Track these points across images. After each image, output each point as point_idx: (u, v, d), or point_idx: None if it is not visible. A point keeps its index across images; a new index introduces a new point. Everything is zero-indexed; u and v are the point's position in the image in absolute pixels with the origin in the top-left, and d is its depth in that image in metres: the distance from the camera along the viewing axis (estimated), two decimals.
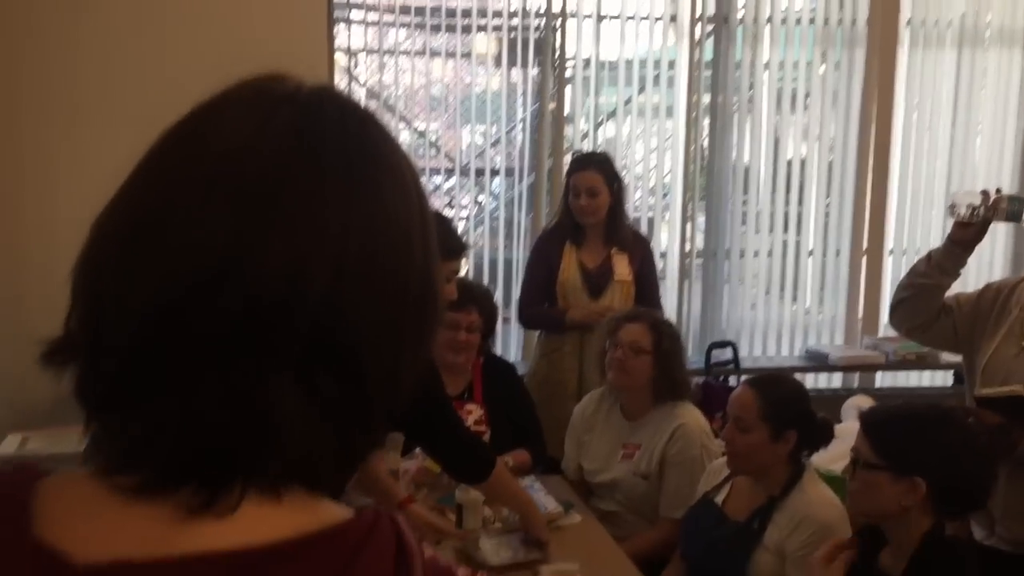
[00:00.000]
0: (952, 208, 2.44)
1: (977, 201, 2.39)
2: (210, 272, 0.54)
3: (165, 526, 0.56)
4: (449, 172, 4.59)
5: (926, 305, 2.52)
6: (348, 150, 0.58)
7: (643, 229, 4.59)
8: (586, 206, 3.52)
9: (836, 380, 4.69)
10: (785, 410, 2.44)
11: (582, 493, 2.98)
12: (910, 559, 1.89)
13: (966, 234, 2.42)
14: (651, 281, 3.72)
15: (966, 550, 2.07)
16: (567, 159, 4.14)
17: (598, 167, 3.55)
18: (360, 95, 4.38)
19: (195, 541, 0.56)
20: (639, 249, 3.69)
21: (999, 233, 4.68)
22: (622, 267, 3.57)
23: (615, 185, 3.57)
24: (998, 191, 2.40)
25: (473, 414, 3.12)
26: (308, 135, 0.58)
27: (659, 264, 4.69)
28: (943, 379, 4.71)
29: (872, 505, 1.97)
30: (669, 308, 4.61)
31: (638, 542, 2.77)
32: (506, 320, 4.32)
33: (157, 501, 0.56)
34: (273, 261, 0.54)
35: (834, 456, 2.72)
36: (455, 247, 2.30)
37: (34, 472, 0.61)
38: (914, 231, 4.80)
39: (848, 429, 3.17)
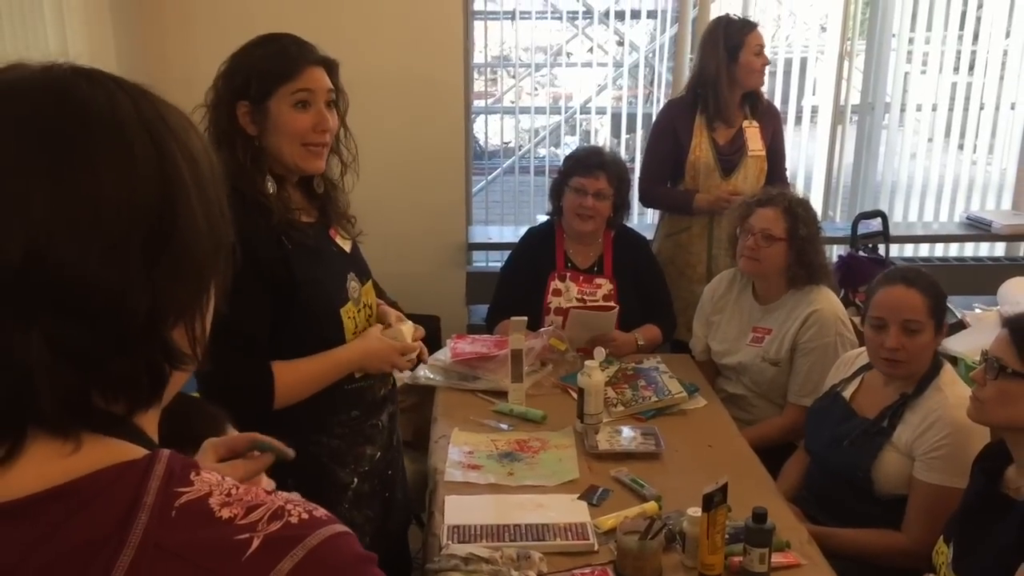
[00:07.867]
0: None
1: None
2: None
3: None
4: (587, 15, 4.38)
5: None
6: (46, 131, 0.62)
7: (795, 71, 4.32)
8: (760, 68, 3.30)
9: (999, 249, 4.36)
10: (944, 303, 2.33)
11: (709, 374, 2.95)
12: None
13: None
14: (779, 154, 3.48)
15: None
16: (715, 6, 3.85)
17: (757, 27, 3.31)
18: None
19: None
20: (772, 121, 3.44)
21: None
22: (755, 140, 3.33)
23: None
24: None
25: (603, 288, 3.10)
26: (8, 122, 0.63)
27: (809, 116, 4.42)
28: None
29: (1011, 415, 1.86)
30: (818, 162, 4.36)
31: (764, 428, 2.75)
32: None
33: None
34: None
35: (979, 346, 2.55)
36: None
37: None
38: None
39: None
